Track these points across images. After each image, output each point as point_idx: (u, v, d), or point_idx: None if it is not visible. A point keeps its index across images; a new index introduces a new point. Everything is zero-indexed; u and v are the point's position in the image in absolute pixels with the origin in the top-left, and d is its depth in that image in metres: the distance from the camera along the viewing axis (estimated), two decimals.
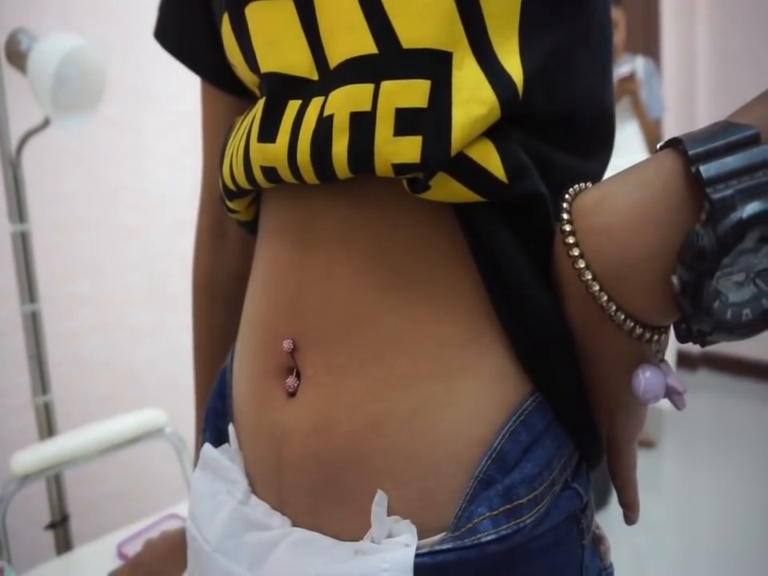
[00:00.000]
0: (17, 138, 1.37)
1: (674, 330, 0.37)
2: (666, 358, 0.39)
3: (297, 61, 0.40)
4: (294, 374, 0.42)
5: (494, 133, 0.37)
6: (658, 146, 0.37)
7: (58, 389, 1.52)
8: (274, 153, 0.40)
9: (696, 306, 0.33)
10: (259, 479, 0.46)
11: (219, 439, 0.51)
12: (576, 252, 0.36)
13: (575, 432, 0.42)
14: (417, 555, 0.37)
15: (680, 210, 0.34)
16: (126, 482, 1.96)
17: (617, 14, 2.49)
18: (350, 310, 0.40)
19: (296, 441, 0.41)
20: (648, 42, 3.64)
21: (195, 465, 0.54)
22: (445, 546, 0.37)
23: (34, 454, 1.14)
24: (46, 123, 1.34)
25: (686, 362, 3.61)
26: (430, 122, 0.36)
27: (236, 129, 0.47)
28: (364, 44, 0.37)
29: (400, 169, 0.36)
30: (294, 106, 0.40)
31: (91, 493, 1.88)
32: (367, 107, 0.37)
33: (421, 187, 0.37)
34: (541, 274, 0.39)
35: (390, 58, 0.37)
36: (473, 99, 0.36)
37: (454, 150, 0.36)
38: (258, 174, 0.42)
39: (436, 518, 0.38)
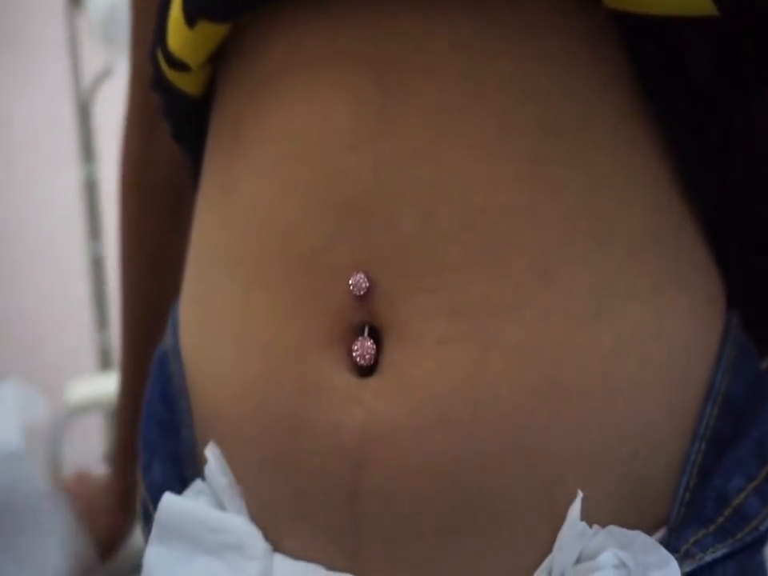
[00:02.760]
0: (89, 83, 1.42)
1: None
2: None
3: None
4: (366, 333, 0.26)
5: None
6: None
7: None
8: None
9: None
10: (300, 526, 0.27)
11: (179, 474, 0.32)
12: None
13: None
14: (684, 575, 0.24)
15: None
16: None
17: None
18: (490, 200, 0.25)
19: (395, 448, 0.25)
20: None
21: (140, 522, 0.33)
22: (719, 553, 0.25)
23: (89, 386, 1.19)
24: (109, 69, 1.37)
25: None
26: None
27: None
28: None
29: None
30: None
31: None
32: None
33: None
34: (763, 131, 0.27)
35: None
36: None
37: None
38: None
39: (646, 513, 0.26)
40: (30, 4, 1.78)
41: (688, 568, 0.24)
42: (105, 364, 1.50)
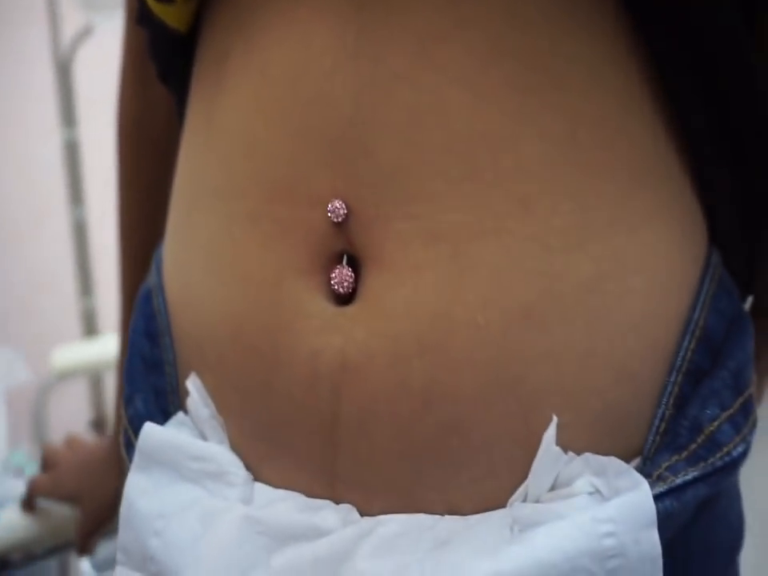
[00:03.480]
0: (67, 44, 1.38)
1: None
2: None
3: None
4: (345, 261, 0.26)
5: None
6: None
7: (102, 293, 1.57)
8: None
9: None
10: (279, 455, 0.28)
11: (162, 408, 0.32)
12: None
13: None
14: (655, 498, 0.24)
15: None
16: None
17: None
18: (471, 129, 0.25)
19: (373, 374, 0.25)
20: None
21: (127, 461, 0.32)
22: (689, 476, 0.26)
23: (74, 352, 1.19)
24: (89, 28, 1.34)
25: None
26: None
27: None
28: None
29: None
30: None
31: None
32: None
33: None
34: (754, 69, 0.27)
35: None
36: None
37: None
38: None
39: (622, 440, 0.27)
40: None
41: (659, 490, 0.25)
42: (89, 330, 1.49)
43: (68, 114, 1.41)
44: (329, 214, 0.25)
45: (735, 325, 0.29)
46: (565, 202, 0.25)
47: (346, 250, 0.26)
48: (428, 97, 0.25)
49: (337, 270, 0.26)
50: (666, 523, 0.24)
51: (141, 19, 0.33)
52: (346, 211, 0.25)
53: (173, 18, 0.30)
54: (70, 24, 1.39)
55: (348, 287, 0.26)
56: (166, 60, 0.35)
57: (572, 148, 0.25)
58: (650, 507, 0.23)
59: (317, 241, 0.26)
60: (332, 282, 0.26)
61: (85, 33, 1.33)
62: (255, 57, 0.27)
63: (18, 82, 1.77)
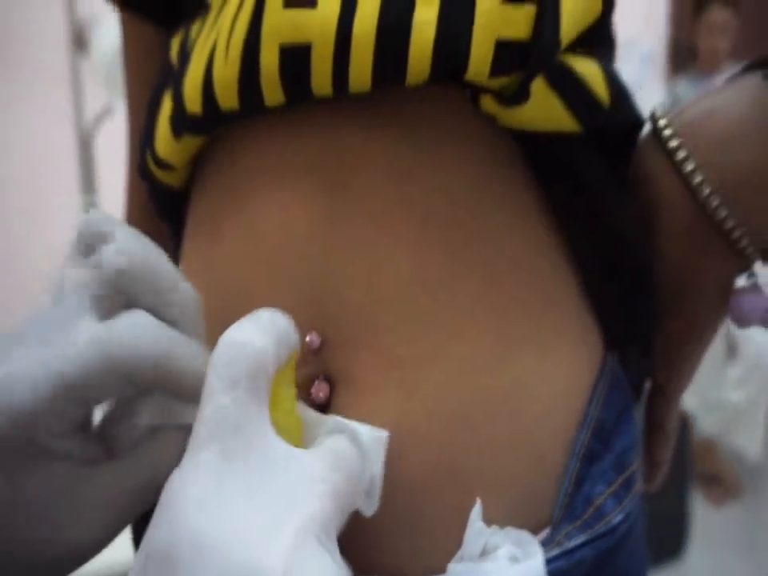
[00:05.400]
0: (90, 120, 1.52)
1: None
2: None
3: None
4: (322, 378, 0.32)
5: (596, 51, 0.34)
6: (731, 75, 0.36)
7: None
8: (315, 21, 0.29)
9: None
10: None
11: None
12: (690, 167, 0.34)
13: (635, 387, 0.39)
14: (547, 561, 0.30)
15: None
16: None
17: (725, 14, 2.18)
18: (415, 278, 0.31)
19: None
20: (763, 48, 3.44)
21: None
22: (578, 541, 0.31)
23: None
24: (109, 108, 1.47)
25: None
26: None
27: (206, 19, 0.34)
28: None
29: (503, 51, 0.29)
30: None
31: None
32: None
33: (515, 97, 0.30)
34: (624, 210, 0.35)
35: None
36: None
37: (563, 34, 0.30)
38: (268, 67, 0.29)
39: (536, 514, 0.32)
40: (35, 39, 1.87)
41: (554, 553, 0.31)
42: None
43: (88, 181, 1.54)
44: (307, 344, 0.32)
45: (622, 416, 0.35)
46: (486, 332, 0.32)
47: (323, 371, 0.32)
48: (382, 254, 0.31)
49: (316, 384, 0.32)
50: (577, 572, 0.31)
51: (142, 174, 0.39)
52: (320, 341, 0.32)
53: (171, 179, 0.37)
54: (93, 101, 1.52)
55: (324, 398, 0.32)
56: (163, 205, 0.42)
57: (493, 286, 0.32)
58: (541, 570, 0.29)
59: (300, 364, 0.31)
60: (312, 393, 0.32)
61: (105, 113, 1.46)
62: (246, 219, 0.33)
63: (40, 150, 1.89)
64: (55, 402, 0.25)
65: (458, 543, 0.30)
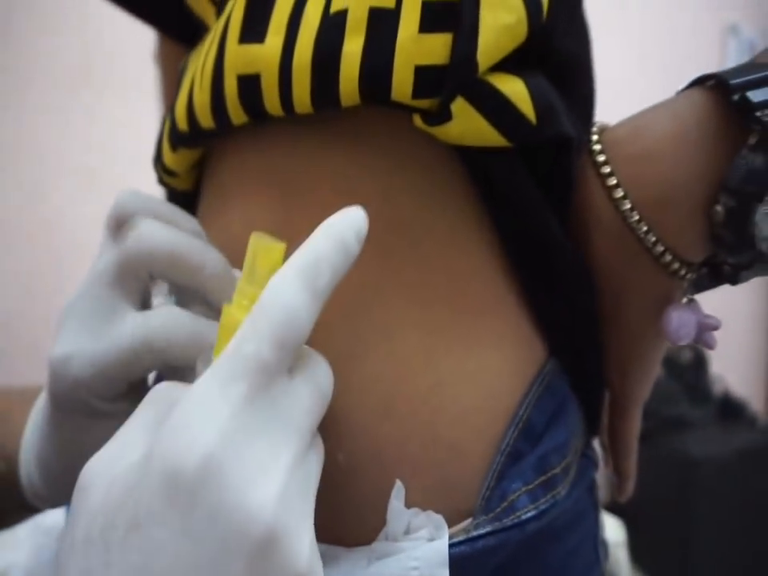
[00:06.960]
0: None
1: (707, 273, 0.37)
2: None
3: None
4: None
5: (523, 69, 0.34)
6: (681, 88, 0.37)
7: None
8: (262, 55, 0.33)
9: (740, 234, 0.34)
10: None
11: None
12: (613, 181, 0.36)
13: (586, 395, 0.41)
14: (451, 545, 0.32)
15: (717, 139, 0.34)
16: None
17: None
18: (353, 277, 0.34)
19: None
20: None
21: None
22: (483, 531, 0.33)
23: None
24: None
25: None
26: (460, 18, 0.32)
27: (198, 49, 0.39)
28: None
29: (423, 76, 0.32)
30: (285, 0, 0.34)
31: None
32: (390, 4, 0.32)
33: (438, 117, 0.32)
34: (561, 224, 0.37)
35: None
36: (501, 5, 0.33)
37: (481, 58, 0.32)
38: (230, 93, 0.34)
39: (459, 503, 0.34)
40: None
41: (461, 537, 0.33)
42: None
43: None
44: None
45: (553, 420, 0.37)
46: (415, 332, 0.34)
47: None
48: None
49: None
50: (462, 563, 0.32)
51: (160, 182, 0.44)
52: None
53: (179, 183, 0.43)
54: None
55: None
56: (180, 207, 0.49)
57: (426, 289, 0.35)
58: (445, 552, 0.31)
59: None
60: None
61: None
62: (225, 218, 0.38)
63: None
64: (103, 376, 0.32)
65: (383, 521, 0.33)
